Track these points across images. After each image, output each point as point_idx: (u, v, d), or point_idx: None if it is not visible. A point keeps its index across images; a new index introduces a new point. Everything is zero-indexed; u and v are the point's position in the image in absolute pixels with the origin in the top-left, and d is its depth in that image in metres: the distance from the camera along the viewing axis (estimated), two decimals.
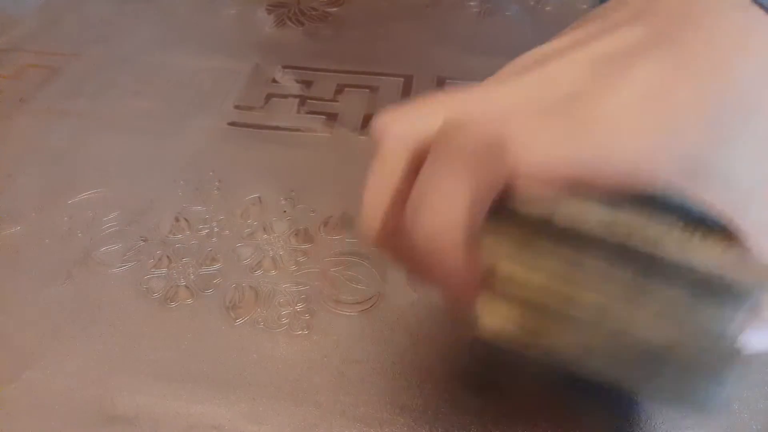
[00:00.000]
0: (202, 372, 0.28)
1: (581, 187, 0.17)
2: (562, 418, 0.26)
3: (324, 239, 0.33)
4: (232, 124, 0.41)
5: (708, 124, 0.16)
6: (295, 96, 0.44)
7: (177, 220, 0.35)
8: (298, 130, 0.41)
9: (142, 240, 0.34)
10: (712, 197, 0.16)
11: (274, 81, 0.45)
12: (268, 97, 0.44)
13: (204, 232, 0.34)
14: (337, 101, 0.43)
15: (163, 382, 0.27)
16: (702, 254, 0.16)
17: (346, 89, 0.44)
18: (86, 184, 0.37)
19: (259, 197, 0.36)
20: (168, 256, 0.33)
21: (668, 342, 0.17)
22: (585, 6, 0.53)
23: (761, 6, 0.17)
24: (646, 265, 0.17)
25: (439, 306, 0.30)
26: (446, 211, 0.18)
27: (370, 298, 0.31)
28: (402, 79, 0.45)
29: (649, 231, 0.17)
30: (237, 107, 0.43)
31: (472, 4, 0.53)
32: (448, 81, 0.44)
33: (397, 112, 0.20)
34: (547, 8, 0.52)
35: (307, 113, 0.42)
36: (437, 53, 0.47)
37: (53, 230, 0.34)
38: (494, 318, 0.19)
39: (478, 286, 0.19)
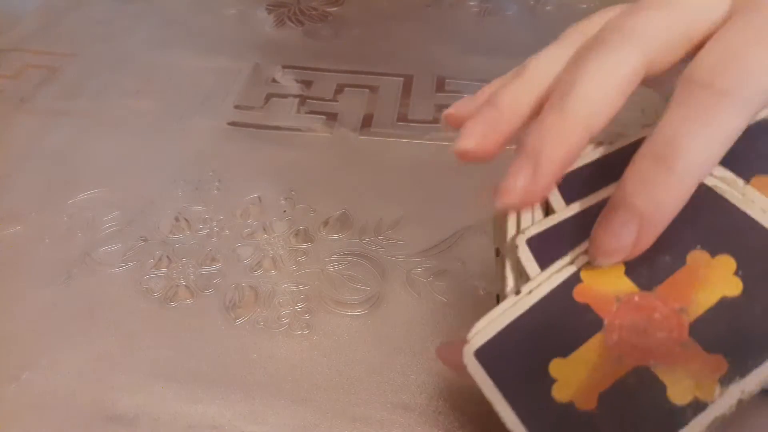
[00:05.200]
0: (202, 372, 0.28)
1: None
2: None
3: (324, 239, 0.33)
4: (232, 124, 0.41)
5: None
6: (295, 96, 0.44)
7: (177, 220, 0.35)
8: (298, 130, 0.41)
9: (142, 240, 0.34)
10: None
11: (274, 81, 0.45)
12: (268, 97, 0.44)
13: (204, 232, 0.34)
14: (337, 101, 0.43)
15: (163, 382, 0.27)
16: None
17: (346, 89, 0.44)
18: (86, 184, 0.37)
19: (259, 197, 0.36)
20: (168, 256, 0.33)
21: None
22: (585, 6, 0.53)
23: None
24: None
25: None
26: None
27: (370, 298, 0.31)
28: (402, 79, 0.45)
29: None
30: (237, 107, 0.43)
31: (472, 4, 0.53)
32: (448, 81, 0.44)
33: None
34: (547, 8, 0.53)
35: (307, 113, 0.42)
36: (437, 53, 0.47)
37: (53, 230, 0.34)
38: None
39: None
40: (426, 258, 0.32)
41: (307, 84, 0.45)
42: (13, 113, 0.42)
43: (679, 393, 0.16)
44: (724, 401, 0.16)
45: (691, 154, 0.17)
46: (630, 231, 0.17)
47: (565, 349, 0.18)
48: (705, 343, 0.17)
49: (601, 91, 0.18)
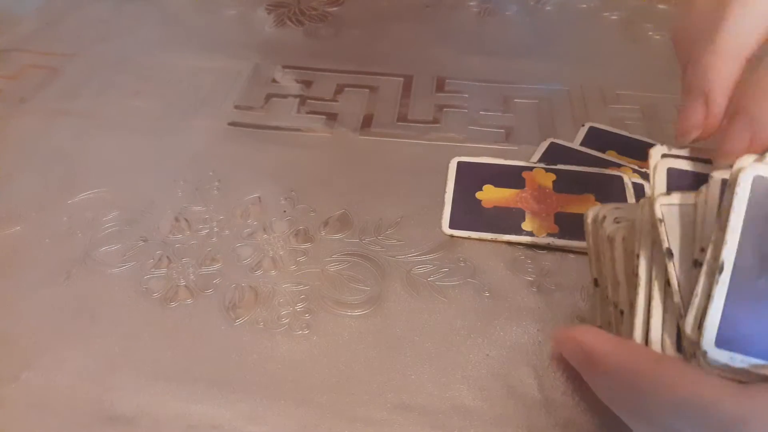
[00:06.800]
0: (202, 372, 0.28)
1: None
2: (563, 421, 0.26)
3: (324, 239, 0.33)
4: (232, 124, 0.41)
5: None
6: (295, 96, 0.44)
7: (177, 220, 0.35)
8: (298, 130, 0.41)
9: (142, 240, 0.34)
10: None
11: (274, 81, 0.45)
12: (268, 97, 0.44)
13: (204, 232, 0.34)
14: (337, 101, 0.43)
15: (163, 382, 0.27)
16: None
17: (346, 89, 0.44)
18: (86, 184, 0.37)
19: (259, 197, 0.36)
20: (168, 256, 0.33)
21: None
22: (584, 6, 0.53)
23: None
24: None
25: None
26: None
27: (370, 298, 0.31)
28: (402, 79, 0.45)
29: None
30: (237, 107, 0.43)
31: (472, 4, 0.53)
32: (448, 81, 0.44)
33: None
34: (547, 8, 0.53)
35: (307, 113, 0.42)
36: (437, 53, 0.47)
37: (53, 230, 0.34)
38: None
39: None
40: (426, 258, 0.32)
41: (307, 84, 0.45)
42: (13, 113, 0.42)
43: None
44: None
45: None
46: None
47: None
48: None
49: None
